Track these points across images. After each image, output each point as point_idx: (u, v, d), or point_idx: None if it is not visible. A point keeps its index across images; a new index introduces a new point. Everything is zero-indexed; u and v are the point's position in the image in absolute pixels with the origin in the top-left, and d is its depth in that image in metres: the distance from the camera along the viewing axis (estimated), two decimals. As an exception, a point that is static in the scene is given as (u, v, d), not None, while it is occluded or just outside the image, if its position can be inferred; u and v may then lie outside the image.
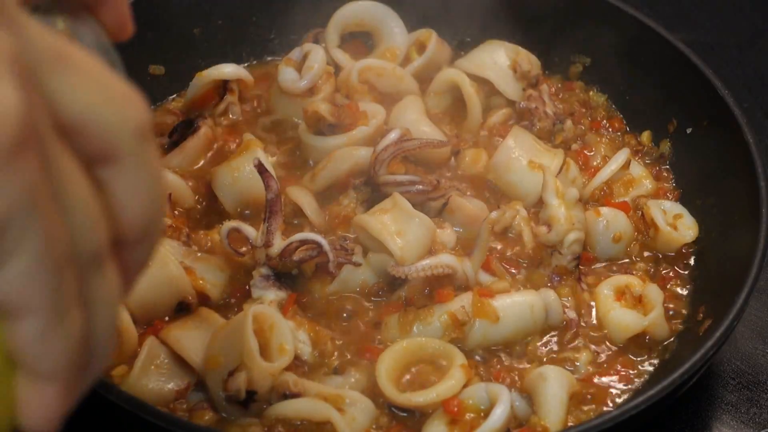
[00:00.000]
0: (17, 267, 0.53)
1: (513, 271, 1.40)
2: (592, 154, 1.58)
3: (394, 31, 1.68)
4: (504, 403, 1.18)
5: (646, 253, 1.45)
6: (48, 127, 0.54)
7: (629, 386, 1.30)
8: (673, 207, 1.49)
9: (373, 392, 1.24)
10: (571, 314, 1.35)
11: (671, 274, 1.43)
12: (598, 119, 1.65)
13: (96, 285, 0.57)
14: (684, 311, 1.39)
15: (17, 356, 0.55)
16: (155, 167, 0.60)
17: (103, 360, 0.59)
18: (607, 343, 1.34)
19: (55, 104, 0.55)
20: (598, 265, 1.43)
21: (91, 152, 0.57)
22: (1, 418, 0.57)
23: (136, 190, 0.59)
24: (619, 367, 1.31)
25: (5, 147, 0.50)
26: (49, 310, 0.54)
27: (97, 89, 0.56)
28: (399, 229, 1.34)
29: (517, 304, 1.32)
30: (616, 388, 1.29)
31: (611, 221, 1.43)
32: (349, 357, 1.29)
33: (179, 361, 1.25)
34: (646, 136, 1.61)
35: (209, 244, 1.39)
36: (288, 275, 1.33)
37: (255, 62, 1.74)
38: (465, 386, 1.22)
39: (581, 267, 1.40)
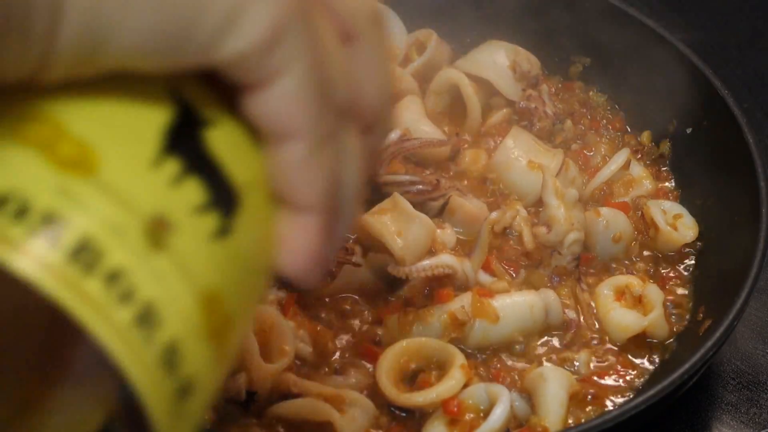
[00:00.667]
0: (288, 85, 0.53)
1: (512, 271, 1.40)
2: (591, 154, 1.58)
3: (394, 31, 1.68)
4: (504, 403, 1.18)
5: (646, 253, 1.45)
6: None
7: (629, 386, 1.30)
8: (673, 207, 1.49)
9: (373, 392, 1.24)
10: (571, 314, 1.35)
11: (671, 274, 1.43)
12: (598, 119, 1.65)
13: (344, 138, 0.58)
14: (684, 311, 1.39)
15: (278, 188, 0.55)
16: (388, 55, 0.62)
17: (349, 218, 0.60)
18: (607, 343, 1.34)
19: None
20: (598, 265, 1.43)
21: (334, 27, 0.58)
22: (263, 262, 0.56)
23: (372, 71, 0.60)
24: (619, 367, 1.31)
25: None
26: (311, 135, 0.54)
27: None
28: (399, 229, 1.34)
29: (516, 304, 1.32)
30: (616, 388, 1.29)
31: (611, 221, 1.42)
32: (349, 357, 1.29)
33: (179, 361, 1.24)
34: (646, 136, 1.61)
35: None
36: (288, 275, 1.33)
37: (255, 62, 1.74)
38: (465, 386, 1.22)
39: (581, 267, 1.39)
